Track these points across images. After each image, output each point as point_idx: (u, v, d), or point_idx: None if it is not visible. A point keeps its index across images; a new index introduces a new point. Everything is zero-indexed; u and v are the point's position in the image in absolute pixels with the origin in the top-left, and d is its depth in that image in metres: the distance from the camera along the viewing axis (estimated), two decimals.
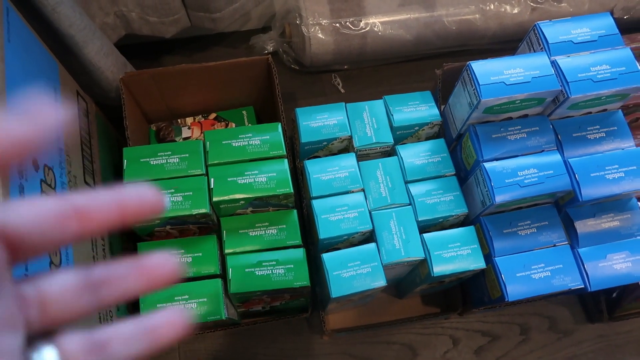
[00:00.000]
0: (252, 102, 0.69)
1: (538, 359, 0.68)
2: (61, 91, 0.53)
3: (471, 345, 0.68)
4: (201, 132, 0.68)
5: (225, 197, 0.52)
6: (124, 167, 0.53)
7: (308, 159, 0.61)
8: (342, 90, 0.82)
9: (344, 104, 0.60)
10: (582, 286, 0.53)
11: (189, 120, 0.68)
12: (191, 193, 0.53)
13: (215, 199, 0.52)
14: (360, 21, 0.75)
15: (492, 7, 0.77)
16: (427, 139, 0.63)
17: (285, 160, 0.54)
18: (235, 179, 0.53)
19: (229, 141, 0.55)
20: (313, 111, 0.59)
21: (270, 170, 0.54)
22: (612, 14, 0.82)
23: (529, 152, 0.54)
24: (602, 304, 0.65)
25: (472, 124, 0.55)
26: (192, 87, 0.64)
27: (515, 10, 0.78)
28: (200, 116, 0.68)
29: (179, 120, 0.68)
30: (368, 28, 0.75)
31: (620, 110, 0.56)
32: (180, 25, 0.71)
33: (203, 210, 0.52)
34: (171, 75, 0.60)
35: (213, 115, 0.68)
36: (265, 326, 0.68)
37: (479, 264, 0.53)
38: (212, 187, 0.53)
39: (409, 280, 0.62)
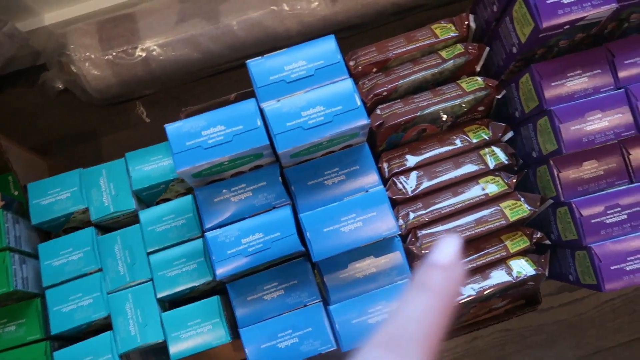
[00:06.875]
0: None
1: None
2: None
3: None
4: None
5: None
6: None
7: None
8: (147, 120, 0.75)
9: (78, 171, 0.54)
10: (334, 348, 0.48)
11: None
12: None
13: None
14: (136, 48, 0.67)
15: (284, 7, 0.68)
16: (189, 192, 0.57)
17: (7, 253, 0.50)
18: None
19: None
20: (45, 185, 0.54)
21: None
22: None
23: (259, 212, 0.48)
24: None
25: (195, 187, 0.49)
26: None
27: (313, 5, 0.69)
28: None
29: None
30: (145, 54, 0.67)
31: (366, 143, 0.49)
32: None
33: None
34: None
35: None
36: None
37: (221, 339, 0.49)
38: None
39: None
